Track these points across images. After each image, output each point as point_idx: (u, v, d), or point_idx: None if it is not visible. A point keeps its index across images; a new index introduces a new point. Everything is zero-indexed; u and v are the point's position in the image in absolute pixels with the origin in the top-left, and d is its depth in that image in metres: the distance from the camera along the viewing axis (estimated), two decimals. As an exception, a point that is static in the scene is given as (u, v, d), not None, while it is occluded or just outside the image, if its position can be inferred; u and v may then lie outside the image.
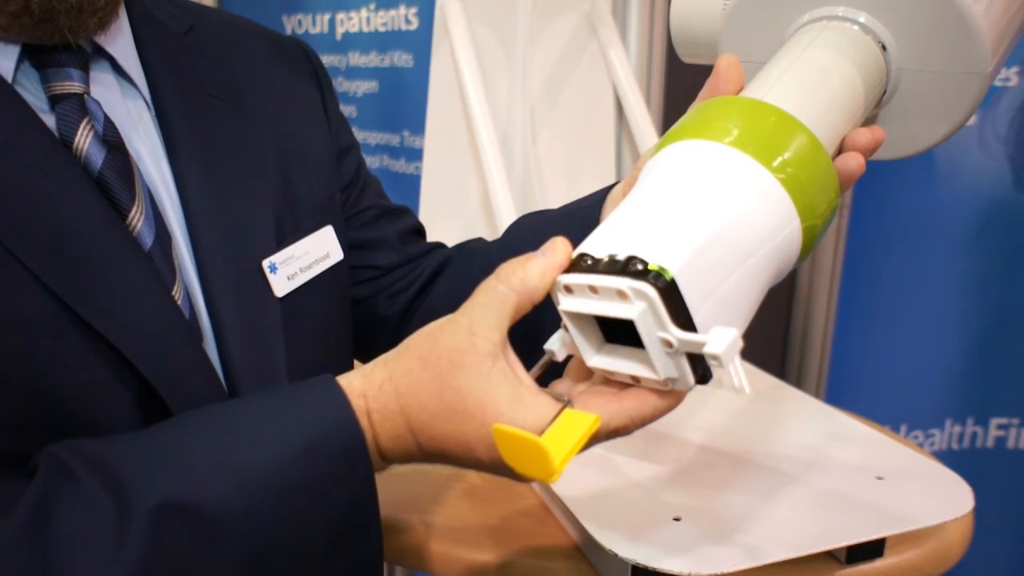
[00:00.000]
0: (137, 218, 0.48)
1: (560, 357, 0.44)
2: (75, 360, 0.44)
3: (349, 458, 0.42)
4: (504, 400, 0.41)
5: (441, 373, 0.42)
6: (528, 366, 0.44)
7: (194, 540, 0.39)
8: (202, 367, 0.49)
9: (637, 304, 0.38)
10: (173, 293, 0.49)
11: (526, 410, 0.40)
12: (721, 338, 0.37)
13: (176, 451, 0.41)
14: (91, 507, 0.38)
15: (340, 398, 0.43)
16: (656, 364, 0.39)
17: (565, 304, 0.42)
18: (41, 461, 0.40)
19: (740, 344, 0.38)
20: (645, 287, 0.38)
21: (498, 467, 0.42)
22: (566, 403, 0.41)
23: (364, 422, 0.43)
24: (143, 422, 0.47)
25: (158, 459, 0.40)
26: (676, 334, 0.38)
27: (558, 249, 0.43)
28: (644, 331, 0.39)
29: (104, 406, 0.45)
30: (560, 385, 0.46)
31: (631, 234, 0.41)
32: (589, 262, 0.41)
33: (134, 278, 0.47)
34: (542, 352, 0.45)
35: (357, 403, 0.43)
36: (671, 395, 0.42)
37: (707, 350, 0.37)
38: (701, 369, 0.40)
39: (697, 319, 0.39)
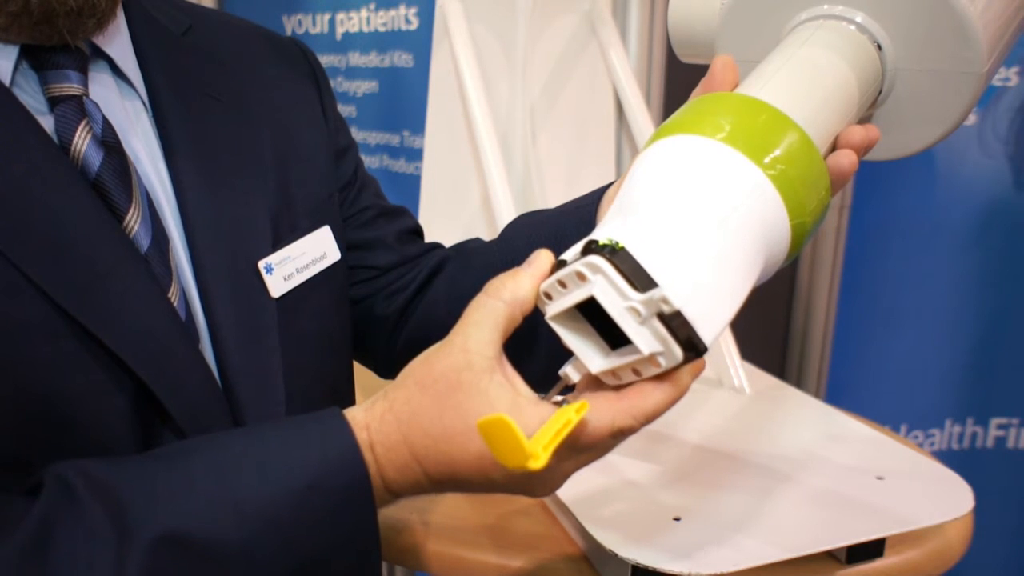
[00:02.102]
0: (134, 220, 0.48)
1: (574, 379, 0.44)
2: (71, 363, 0.44)
3: (352, 495, 0.42)
4: (504, 412, 0.40)
5: (439, 395, 0.42)
6: (521, 368, 0.44)
7: (193, 573, 0.39)
8: (199, 369, 0.49)
9: (595, 279, 0.39)
10: (170, 295, 0.49)
11: (526, 420, 0.40)
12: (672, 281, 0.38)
13: (180, 482, 0.41)
14: (91, 534, 0.38)
15: (346, 433, 0.43)
16: (636, 340, 0.39)
17: (549, 310, 0.43)
18: (46, 481, 0.40)
19: (702, 287, 0.38)
20: (595, 259, 0.38)
21: (512, 484, 0.42)
22: (560, 403, 0.41)
23: (368, 456, 0.43)
24: (140, 425, 0.47)
25: (162, 489, 0.40)
26: (636, 297, 0.38)
27: (542, 258, 0.43)
28: (610, 307, 0.39)
29: (101, 409, 0.45)
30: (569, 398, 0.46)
31: (602, 228, 0.42)
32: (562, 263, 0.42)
33: (131, 281, 0.47)
34: (539, 368, 0.45)
35: (360, 436, 0.43)
36: (670, 383, 0.41)
37: (656, 293, 0.37)
38: (683, 335, 0.39)
39: (668, 290, 0.38)
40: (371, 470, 0.43)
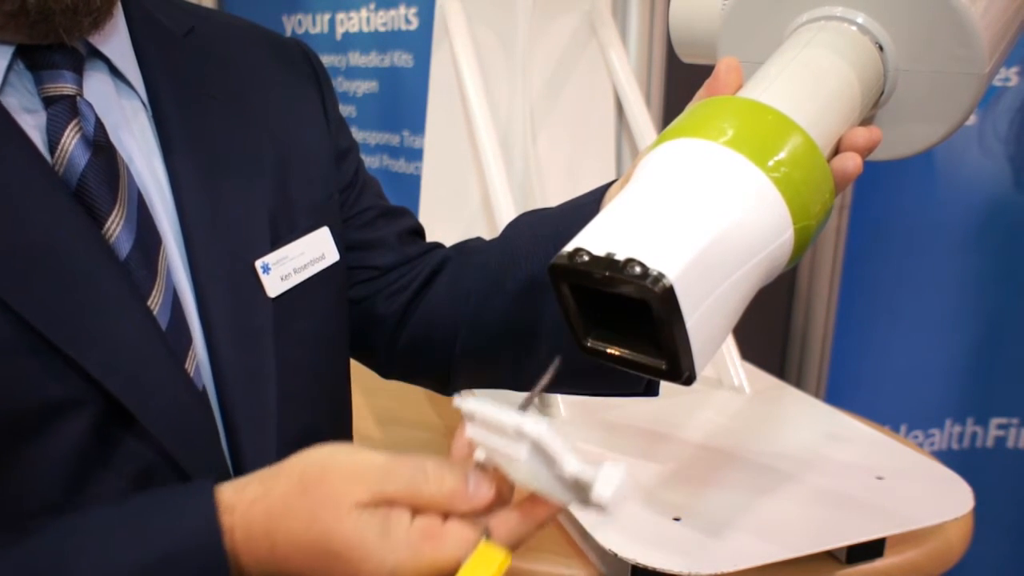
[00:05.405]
0: (116, 223, 0.48)
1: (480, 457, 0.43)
2: (36, 377, 0.43)
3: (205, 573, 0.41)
4: (373, 538, 0.39)
5: (314, 505, 0.41)
6: (522, 366, 0.44)
7: None
8: (177, 378, 0.48)
9: (520, 448, 0.38)
10: (149, 302, 0.48)
11: (394, 547, 0.39)
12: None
13: (45, 555, 0.40)
14: None
15: (209, 510, 0.41)
16: (557, 496, 0.39)
17: (470, 431, 0.41)
18: None
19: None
20: (530, 429, 0.37)
21: None
22: (484, 533, 0.41)
23: (227, 540, 0.41)
24: (111, 437, 0.46)
25: (31, 559, 0.40)
26: (567, 470, 0.37)
27: (482, 489, 0.41)
28: (532, 473, 0.38)
29: (69, 420, 0.44)
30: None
31: (628, 233, 0.40)
32: (586, 258, 0.40)
33: (104, 289, 0.46)
34: (535, 349, 0.44)
35: (223, 519, 0.41)
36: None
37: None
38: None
39: (689, 324, 0.38)
40: (227, 552, 0.41)
